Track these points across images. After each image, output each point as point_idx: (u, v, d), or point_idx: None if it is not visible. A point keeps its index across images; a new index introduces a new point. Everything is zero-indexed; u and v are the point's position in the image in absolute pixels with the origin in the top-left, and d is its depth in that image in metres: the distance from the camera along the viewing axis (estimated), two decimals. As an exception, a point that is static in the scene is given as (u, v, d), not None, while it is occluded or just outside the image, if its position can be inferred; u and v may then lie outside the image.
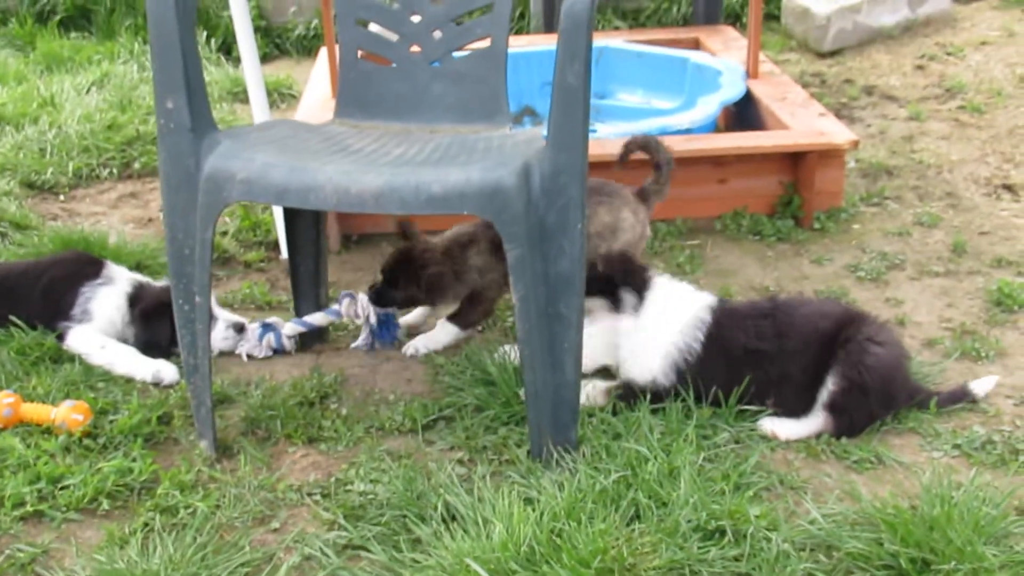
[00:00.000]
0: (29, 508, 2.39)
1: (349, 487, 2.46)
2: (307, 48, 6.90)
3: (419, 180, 2.30)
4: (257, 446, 2.64)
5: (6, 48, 6.38)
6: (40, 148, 4.78)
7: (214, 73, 6.04)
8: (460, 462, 2.55)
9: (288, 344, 3.13)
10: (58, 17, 6.75)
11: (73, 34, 6.67)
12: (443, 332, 3.13)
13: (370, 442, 2.65)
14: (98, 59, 6.11)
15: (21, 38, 6.52)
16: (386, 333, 3.14)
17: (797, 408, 2.64)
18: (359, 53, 2.99)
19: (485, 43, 2.92)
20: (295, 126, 2.87)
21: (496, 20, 2.90)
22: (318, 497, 2.46)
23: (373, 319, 3.07)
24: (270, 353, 3.12)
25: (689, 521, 2.20)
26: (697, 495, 2.24)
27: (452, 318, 3.12)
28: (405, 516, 2.31)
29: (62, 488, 2.45)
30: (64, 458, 2.55)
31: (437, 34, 2.93)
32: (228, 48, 6.55)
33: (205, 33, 6.59)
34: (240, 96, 5.73)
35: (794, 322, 2.65)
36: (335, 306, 3.11)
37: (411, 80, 2.95)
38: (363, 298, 3.06)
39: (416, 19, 2.93)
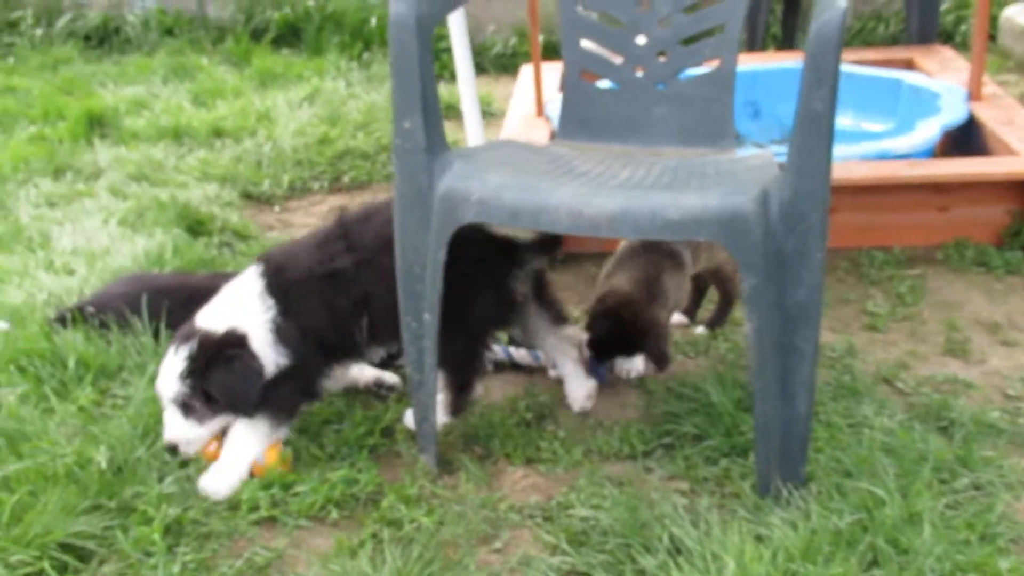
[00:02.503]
0: (264, 512, 2.47)
1: (571, 511, 2.45)
2: (504, 66, 6.98)
3: (655, 205, 2.27)
4: (477, 464, 2.66)
5: (223, 64, 6.70)
6: (257, 160, 4.99)
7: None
8: (682, 492, 2.50)
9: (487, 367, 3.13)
10: (271, 35, 7.05)
11: (284, 51, 6.96)
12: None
13: (589, 466, 2.63)
14: (308, 75, 6.34)
15: (237, 55, 6.84)
16: (600, 373, 3.09)
17: None
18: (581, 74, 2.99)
19: (713, 64, 2.87)
20: (520, 147, 2.89)
21: (725, 41, 2.85)
22: (540, 520, 2.45)
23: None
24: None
25: (932, 571, 2.09)
26: (942, 544, 2.13)
27: None
28: (630, 545, 2.28)
29: (293, 495, 2.53)
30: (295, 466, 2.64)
31: (663, 56, 2.90)
32: (430, 65, 6.68)
33: (408, 50, 6.74)
34: (447, 114, 5.84)
35: None
36: (540, 351, 3.11)
37: (635, 102, 2.94)
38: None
39: (642, 40, 2.91)
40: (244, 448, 2.61)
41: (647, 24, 2.90)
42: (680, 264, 2.98)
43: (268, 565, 2.34)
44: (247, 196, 4.71)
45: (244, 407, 2.60)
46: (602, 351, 2.96)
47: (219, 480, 2.55)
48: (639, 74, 2.92)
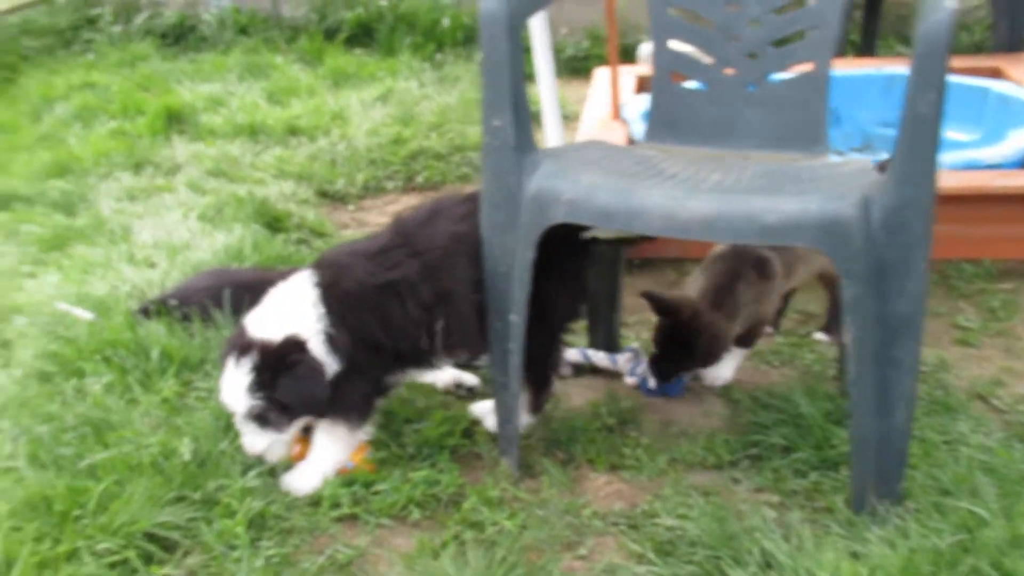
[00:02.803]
0: (345, 510, 2.46)
1: (656, 520, 2.40)
2: (576, 69, 6.92)
3: (751, 208, 2.22)
4: (559, 468, 2.62)
5: (297, 63, 6.74)
6: (331, 159, 5.01)
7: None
8: (770, 505, 2.44)
9: (567, 371, 3.10)
10: (344, 35, 7.08)
11: (357, 50, 6.97)
12: (733, 359, 3.03)
13: (674, 475, 2.57)
14: (381, 75, 6.35)
15: (310, 53, 6.87)
16: (673, 388, 3.04)
17: None
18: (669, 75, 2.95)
19: (806, 67, 2.81)
20: (607, 148, 2.85)
21: (820, 43, 2.79)
22: (624, 527, 2.41)
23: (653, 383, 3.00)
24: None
25: (1039, 596, 2.01)
26: (1050, 568, 2.05)
27: (738, 342, 3.00)
28: (718, 557, 2.22)
29: (374, 493, 2.51)
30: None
31: (754, 57, 2.85)
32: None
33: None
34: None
35: None
36: (618, 355, 3.08)
37: (725, 104, 2.88)
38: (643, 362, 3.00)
39: (734, 41, 2.86)
40: (328, 451, 2.59)
41: (738, 24, 2.85)
42: (767, 274, 2.91)
43: (350, 563, 2.32)
44: (322, 194, 4.72)
45: (317, 409, 2.57)
46: (663, 368, 2.92)
47: (304, 479, 2.54)
48: (729, 75, 2.87)
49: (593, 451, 2.68)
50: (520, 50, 2.43)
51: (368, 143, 5.15)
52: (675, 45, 2.93)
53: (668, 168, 2.64)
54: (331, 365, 2.55)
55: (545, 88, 3.69)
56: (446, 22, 6.96)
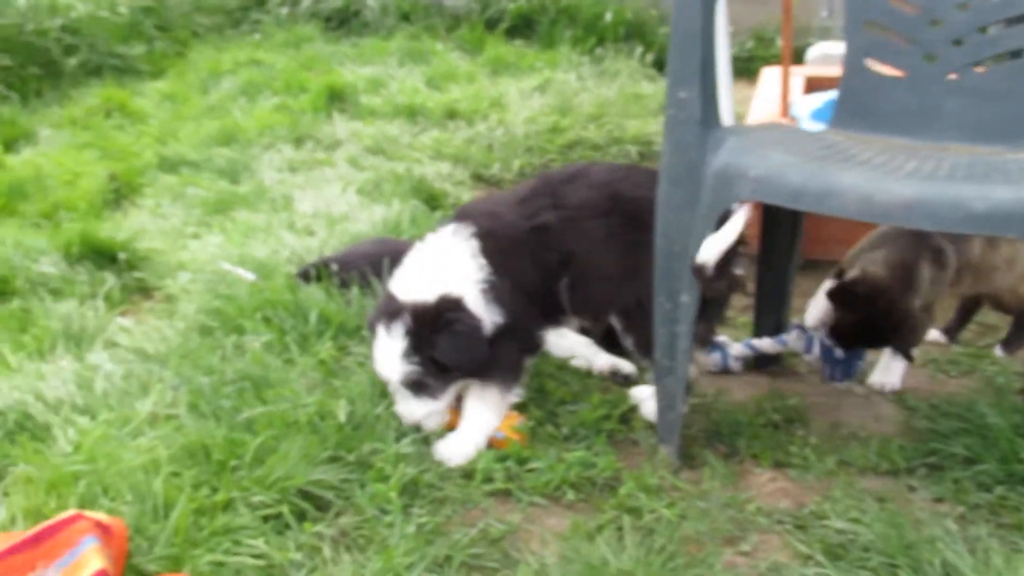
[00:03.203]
0: (499, 485, 2.39)
1: (825, 522, 2.25)
2: (738, 70, 6.64)
3: (958, 195, 2.06)
4: (721, 461, 2.50)
5: (456, 51, 6.77)
6: (488, 144, 4.99)
7: (648, 87, 6.06)
8: (951, 516, 2.26)
9: (735, 365, 2.97)
10: (504, 25, 7.09)
11: (517, 41, 6.97)
12: (898, 363, 2.85)
13: (845, 477, 2.42)
14: (540, 66, 6.32)
15: (470, 43, 6.90)
16: (841, 370, 2.89)
17: None
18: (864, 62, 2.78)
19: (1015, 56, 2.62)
20: (792, 130, 2.73)
21: (1032, 31, 2.59)
22: (790, 526, 2.27)
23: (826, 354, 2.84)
24: (715, 370, 2.98)
25: None
26: None
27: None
28: (896, 565, 2.07)
29: (528, 471, 2.44)
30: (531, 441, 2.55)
31: (960, 44, 2.66)
32: (661, 65, 6.56)
33: (641, 48, 6.64)
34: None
35: None
36: (784, 335, 2.92)
37: (922, 93, 2.70)
38: (815, 335, 2.84)
39: (937, 26, 2.68)
40: (480, 418, 2.54)
41: (944, 8, 2.67)
42: (942, 263, 2.73)
43: (502, 538, 2.25)
44: (477, 177, 4.71)
45: (476, 366, 2.52)
46: (847, 339, 2.76)
47: (456, 448, 2.49)
48: (931, 63, 2.69)
49: (757, 446, 2.55)
50: (713, 18, 2.32)
51: (526, 130, 5.12)
52: (872, 28, 2.77)
53: (858, 154, 2.49)
54: (491, 319, 2.52)
55: (723, 75, 3.56)
56: (608, 17, 6.88)
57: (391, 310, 2.51)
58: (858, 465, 2.49)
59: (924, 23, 2.70)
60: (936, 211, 2.06)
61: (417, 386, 2.51)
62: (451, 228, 2.65)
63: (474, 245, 2.58)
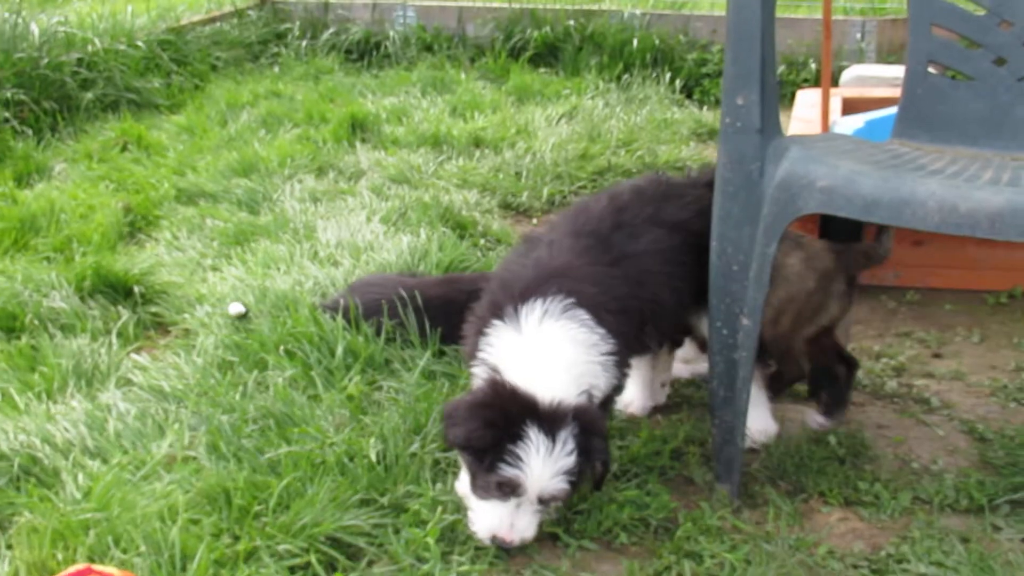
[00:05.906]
0: (544, 529, 2.19)
1: (905, 566, 2.06)
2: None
3: (1050, 204, 1.87)
4: (784, 499, 2.30)
5: (481, 79, 6.63)
6: (516, 172, 4.81)
7: (677, 113, 5.89)
8: (1045, 557, 2.05)
9: None
10: (529, 53, 6.95)
11: (542, 69, 6.83)
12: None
13: (922, 515, 2.22)
14: (566, 93, 6.17)
15: (494, 71, 6.77)
16: None
17: None
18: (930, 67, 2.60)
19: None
20: (854, 140, 2.54)
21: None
22: (866, 571, 2.08)
23: None
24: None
25: None
26: None
27: None
28: (991, 614, 1.87)
29: (576, 512, 2.24)
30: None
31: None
32: (690, 91, 6.40)
33: (669, 74, 6.48)
34: (703, 137, 5.54)
35: None
36: None
37: (992, 99, 2.52)
38: None
39: (1008, 27, 2.50)
40: None
41: (1015, 7, 2.49)
42: None
43: (550, 588, 2.05)
44: (506, 206, 4.53)
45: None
46: None
47: None
48: (1002, 68, 2.51)
49: (824, 483, 2.35)
50: (773, 20, 2.15)
51: (554, 157, 4.94)
52: (939, 31, 2.59)
53: (929, 163, 2.31)
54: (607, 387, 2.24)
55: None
56: (635, 43, 6.73)
57: (552, 414, 2.07)
58: (935, 502, 2.28)
59: (993, 24, 2.52)
60: (1028, 221, 1.87)
61: (551, 500, 2.14)
62: (539, 302, 2.20)
63: (588, 317, 2.20)
